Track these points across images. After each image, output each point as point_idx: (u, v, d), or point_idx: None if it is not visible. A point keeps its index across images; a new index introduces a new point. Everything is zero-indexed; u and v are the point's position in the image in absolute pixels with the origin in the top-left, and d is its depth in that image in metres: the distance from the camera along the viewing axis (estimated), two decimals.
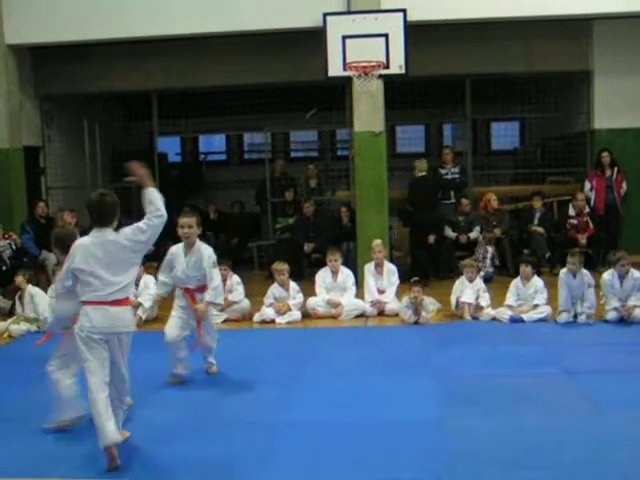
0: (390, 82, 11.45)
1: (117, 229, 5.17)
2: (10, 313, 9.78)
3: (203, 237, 13.92)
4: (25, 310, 9.40)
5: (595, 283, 9.02)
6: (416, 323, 9.10)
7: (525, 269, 9.28)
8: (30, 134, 13.29)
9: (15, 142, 12.37)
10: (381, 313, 9.70)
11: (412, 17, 10.95)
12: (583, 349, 7.70)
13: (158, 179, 14.05)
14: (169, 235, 6.90)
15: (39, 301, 9.28)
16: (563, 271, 9.08)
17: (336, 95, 13.18)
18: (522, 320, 8.88)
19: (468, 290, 9.29)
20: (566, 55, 13.04)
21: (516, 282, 9.32)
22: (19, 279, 9.54)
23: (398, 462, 4.95)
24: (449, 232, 12.38)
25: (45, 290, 9.79)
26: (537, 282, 9.23)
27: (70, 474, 4.89)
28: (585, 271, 9.07)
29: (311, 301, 9.78)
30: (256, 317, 9.57)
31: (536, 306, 9.03)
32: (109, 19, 11.56)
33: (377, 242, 10.14)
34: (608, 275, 8.94)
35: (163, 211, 5.12)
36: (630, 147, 12.67)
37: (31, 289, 9.50)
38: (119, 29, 11.60)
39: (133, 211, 15.61)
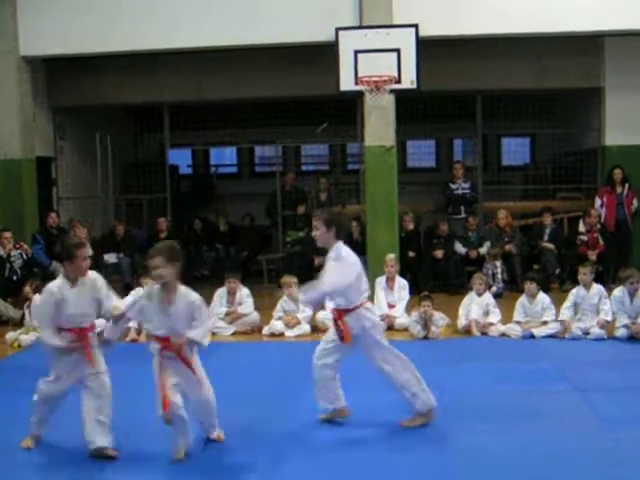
0: (401, 96, 11.48)
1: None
2: (21, 322, 9.83)
3: (213, 249, 14.14)
4: (32, 320, 9.41)
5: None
6: (425, 338, 9.08)
7: (530, 286, 9.24)
8: (42, 145, 13.36)
9: (28, 153, 12.43)
10: (390, 327, 9.67)
11: (424, 32, 10.98)
12: (592, 366, 7.67)
13: (169, 191, 14.31)
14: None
15: None
16: (575, 289, 9.18)
17: (347, 109, 13.23)
18: (532, 336, 8.86)
19: (475, 306, 9.28)
20: (577, 71, 13.05)
21: (522, 300, 9.29)
22: (26, 289, 9.63)
23: (405, 477, 4.94)
24: (459, 247, 12.37)
25: None
26: (544, 299, 9.19)
27: None
28: (597, 285, 9.11)
29: (320, 314, 9.76)
30: (265, 330, 9.58)
31: (545, 323, 9.02)
32: (123, 32, 11.63)
33: (390, 256, 10.15)
34: (618, 292, 8.92)
35: None
36: None
37: (37, 299, 9.53)
38: (133, 42, 11.65)
39: (143, 223, 15.74)
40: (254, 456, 5.36)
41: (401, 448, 5.43)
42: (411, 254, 12.10)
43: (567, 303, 9.09)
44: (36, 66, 12.76)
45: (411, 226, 12.55)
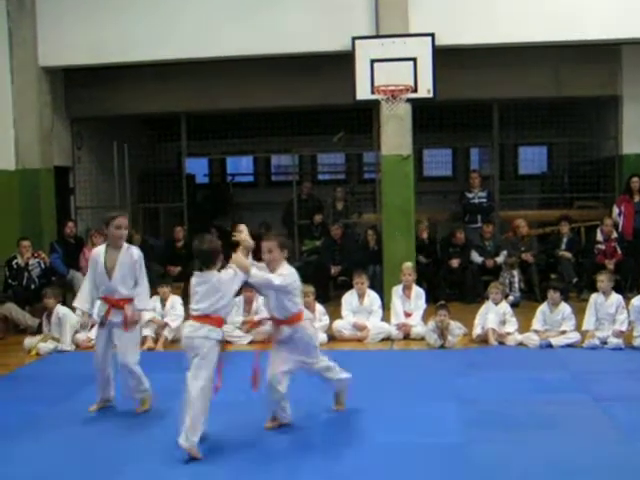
0: (418, 105, 11.48)
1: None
2: (38, 331, 9.86)
3: (229, 258, 14.12)
4: (52, 329, 9.46)
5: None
6: (442, 347, 9.06)
7: (553, 295, 9.19)
8: (60, 154, 13.43)
9: (46, 162, 12.52)
10: (407, 336, 9.66)
11: (440, 41, 11.00)
12: (611, 376, 7.62)
13: (186, 200, 14.37)
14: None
15: (66, 321, 9.36)
16: (594, 295, 9.10)
17: (364, 118, 13.24)
18: (550, 345, 8.81)
19: (492, 315, 9.25)
20: (594, 80, 13.02)
21: (543, 308, 9.24)
22: (49, 301, 9.55)
23: None
24: (475, 257, 12.33)
25: (73, 309, 9.88)
26: (565, 308, 9.14)
27: None
28: (616, 294, 9.05)
29: (337, 324, 9.77)
30: None
31: (563, 332, 8.97)
32: (141, 42, 11.70)
33: (407, 265, 10.14)
34: (637, 301, 8.86)
35: None
36: None
37: (60, 309, 9.56)
38: (151, 52, 11.73)
39: (160, 232, 15.80)
40: (268, 460, 5.39)
41: (417, 455, 5.41)
42: (422, 259, 12.07)
43: (590, 311, 9.01)
44: (55, 76, 12.85)
45: (424, 234, 12.51)
